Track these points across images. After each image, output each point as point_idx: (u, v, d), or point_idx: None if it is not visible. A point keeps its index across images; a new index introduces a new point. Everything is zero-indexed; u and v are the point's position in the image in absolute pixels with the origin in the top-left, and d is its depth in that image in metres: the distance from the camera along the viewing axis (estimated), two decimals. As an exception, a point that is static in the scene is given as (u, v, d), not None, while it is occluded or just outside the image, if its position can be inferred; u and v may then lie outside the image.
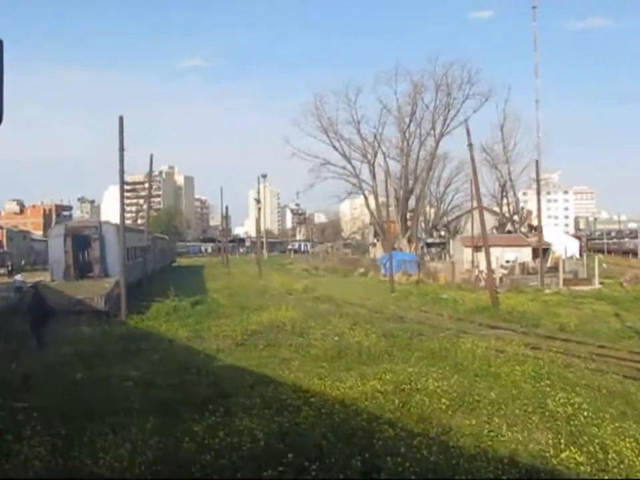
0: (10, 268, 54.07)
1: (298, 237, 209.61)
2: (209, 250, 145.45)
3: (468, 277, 52.55)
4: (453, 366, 17.60)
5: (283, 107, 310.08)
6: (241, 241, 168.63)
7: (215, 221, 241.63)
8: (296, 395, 13.97)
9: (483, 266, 56.91)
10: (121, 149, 28.63)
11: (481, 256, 60.02)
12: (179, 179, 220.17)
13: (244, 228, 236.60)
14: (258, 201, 66.23)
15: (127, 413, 12.95)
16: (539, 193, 52.46)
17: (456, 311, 32.39)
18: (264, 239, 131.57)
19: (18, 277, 40.71)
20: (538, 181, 52.70)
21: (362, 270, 66.86)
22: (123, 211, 29.78)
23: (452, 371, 16.85)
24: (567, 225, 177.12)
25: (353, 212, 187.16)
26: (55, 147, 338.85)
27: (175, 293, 34.84)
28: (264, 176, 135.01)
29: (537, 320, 28.69)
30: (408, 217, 78.64)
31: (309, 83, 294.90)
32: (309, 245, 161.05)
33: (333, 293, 41.66)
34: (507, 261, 57.41)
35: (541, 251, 50.87)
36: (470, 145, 35.24)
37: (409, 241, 76.28)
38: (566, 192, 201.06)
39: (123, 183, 29.44)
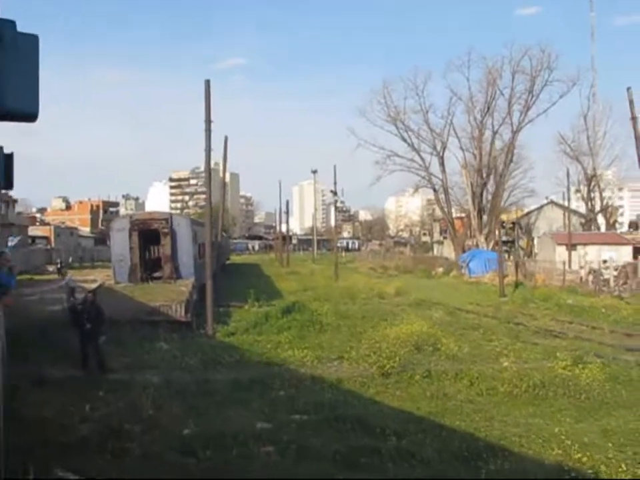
0: (60, 265, 49.15)
1: (345, 235, 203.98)
2: (256, 247, 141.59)
3: (575, 278, 46.13)
4: None
5: (330, 105, 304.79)
6: (287, 238, 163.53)
7: (259, 217, 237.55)
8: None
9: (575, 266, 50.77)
10: (208, 120, 22.94)
11: (574, 255, 53.83)
12: (224, 176, 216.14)
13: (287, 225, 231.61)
14: (335, 193, 60.26)
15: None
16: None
17: (610, 323, 26.18)
18: (314, 237, 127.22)
19: (69, 277, 35.68)
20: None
21: (440, 269, 60.81)
22: (209, 196, 24.17)
23: None
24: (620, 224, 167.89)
25: (399, 209, 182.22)
26: (98, 145, 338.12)
27: (255, 297, 29.46)
28: (314, 172, 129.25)
29: None
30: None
31: (366, 78, 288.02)
32: (356, 242, 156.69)
33: (432, 297, 35.70)
34: (605, 261, 50.38)
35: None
36: (633, 119, 28.55)
37: (487, 239, 69.99)
38: (620, 189, 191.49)
39: (209, 160, 23.64)
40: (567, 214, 63.45)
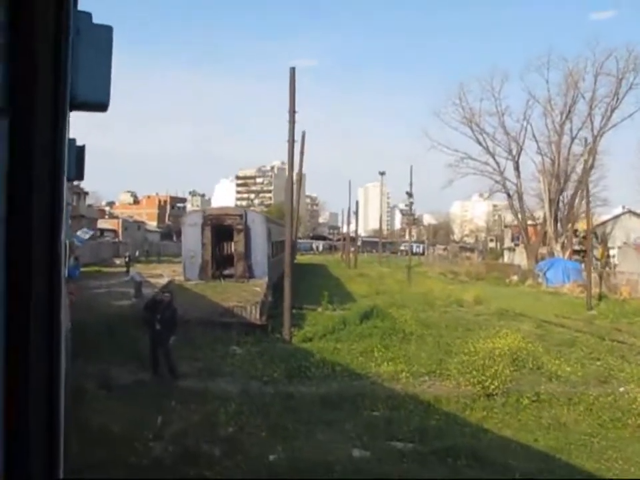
0: (128, 259, 48.52)
1: (408, 238, 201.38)
2: (320, 248, 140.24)
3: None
4: None
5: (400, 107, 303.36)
6: (352, 239, 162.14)
7: (323, 218, 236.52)
8: None
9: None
10: (292, 111, 21.32)
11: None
12: (301, 173, 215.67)
13: (352, 226, 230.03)
14: (410, 195, 58.43)
15: None
16: None
17: None
18: (380, 239, 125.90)
19: (134, 273, 34.71)
20: None
21: (515, 277, 58.28)
22: (291, 187, 22.58)
23: None
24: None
25: (464, 214, 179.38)
26: (166, 142, 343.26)
27: (329, 300, 27.90)
28: (382, 173, 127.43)
29: None
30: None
31: (435, 80, 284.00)
32: (421, 246, 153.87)
33: (514, 307, 33.44)
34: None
35: None
36: None
37: (563, 247, 67.04)
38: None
39: (292, 151, 21.79)
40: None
